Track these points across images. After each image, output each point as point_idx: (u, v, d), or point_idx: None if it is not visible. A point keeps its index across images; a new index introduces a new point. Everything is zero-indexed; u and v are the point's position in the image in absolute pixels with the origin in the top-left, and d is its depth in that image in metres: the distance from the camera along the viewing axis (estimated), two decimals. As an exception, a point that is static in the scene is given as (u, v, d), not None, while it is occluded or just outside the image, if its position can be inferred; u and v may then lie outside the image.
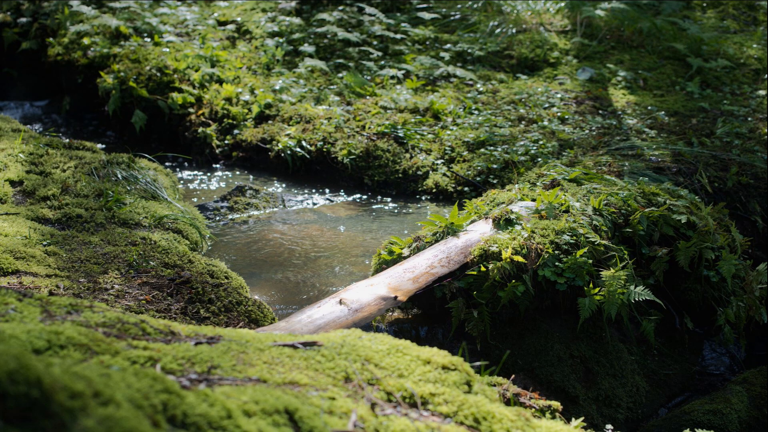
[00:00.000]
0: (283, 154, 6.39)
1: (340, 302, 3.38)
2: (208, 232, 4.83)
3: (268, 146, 6.52)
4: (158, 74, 7.14)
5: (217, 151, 6.72)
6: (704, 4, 9.03)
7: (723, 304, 4.17)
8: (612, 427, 3.69)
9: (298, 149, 6.38)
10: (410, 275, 3.65)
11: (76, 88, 7.58)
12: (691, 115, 6.71)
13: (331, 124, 6.51)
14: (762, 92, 7.18)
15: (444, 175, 6.08)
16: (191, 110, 6.99)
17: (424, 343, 2.66)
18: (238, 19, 8.28)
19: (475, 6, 8.53)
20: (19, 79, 8.14)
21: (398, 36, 7.97)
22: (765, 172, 5.66)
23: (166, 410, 1.54)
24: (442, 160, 6.20)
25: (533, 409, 2.75)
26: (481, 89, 7.20)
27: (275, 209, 5.68)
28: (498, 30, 8.11)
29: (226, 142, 6.73)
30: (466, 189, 5.92)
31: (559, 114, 6.71)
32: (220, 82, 7.17)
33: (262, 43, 7.84)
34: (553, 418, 2.78)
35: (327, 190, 6.18)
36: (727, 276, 4.12)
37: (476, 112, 6.78)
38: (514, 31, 8.07)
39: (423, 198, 6.02)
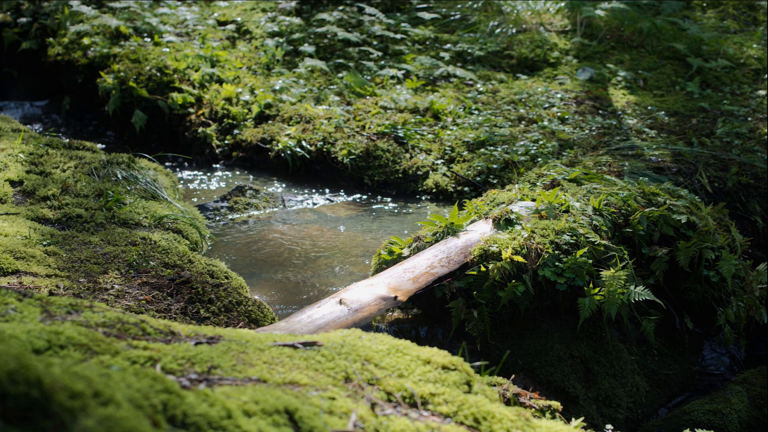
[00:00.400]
0: (283, 154, 6.39)
1: (340, 302, 3.38)
2: (208, 232, 4.83)
3: (268, 146, 6.52)
4: (158, 74, 7.14)
5: (217, 151, 6.72)
6: (704, 4, 9.03)
7: (723, 304, 4.16)
8: (612, 427, 3.69)
9: (298, 149, 6.38)
10: (410, 275, 3.65)
11: (76, 88, 7.58)
12: (691, 115, 6.71)
13: (331, 124, 6.51)
14: (762, 92, 7.18)
15: (444, 175, 6.08)
16: (191, 110, 6.99)
17: (424, 343, 2.66)
18: (238, 19, 8.28)
19: (475, 6, 8.53)
20: (19, 79, 8.14)
21: (398, 36, 7.97)
22: (765, 172, 5.66)
23: (166, 410, 1.54)
24: (442, 160, 6.19)
25: (533, 409, 2.75)
26: (481, 89, 7.20)
27: (275, 209, 5.67)
28: (498, 30, 8.11)
29: (226, 142, 6.73)
30: (466, 189, 5.92)
31: (559, 114, 6.71)
32: (220, 82, 7.17)
33: (262, 43, 7.84)
34: (553, 418, 2.78)
35: (327, 190, 6.17)
36: (727, 276, 4.12)
37: (476, 112, 6.78)
38: (514, 31, 8.07)
39: (423, 198, 6.02)
